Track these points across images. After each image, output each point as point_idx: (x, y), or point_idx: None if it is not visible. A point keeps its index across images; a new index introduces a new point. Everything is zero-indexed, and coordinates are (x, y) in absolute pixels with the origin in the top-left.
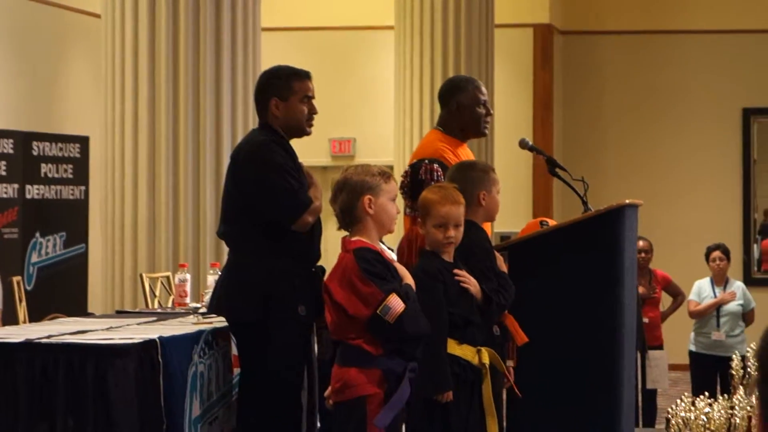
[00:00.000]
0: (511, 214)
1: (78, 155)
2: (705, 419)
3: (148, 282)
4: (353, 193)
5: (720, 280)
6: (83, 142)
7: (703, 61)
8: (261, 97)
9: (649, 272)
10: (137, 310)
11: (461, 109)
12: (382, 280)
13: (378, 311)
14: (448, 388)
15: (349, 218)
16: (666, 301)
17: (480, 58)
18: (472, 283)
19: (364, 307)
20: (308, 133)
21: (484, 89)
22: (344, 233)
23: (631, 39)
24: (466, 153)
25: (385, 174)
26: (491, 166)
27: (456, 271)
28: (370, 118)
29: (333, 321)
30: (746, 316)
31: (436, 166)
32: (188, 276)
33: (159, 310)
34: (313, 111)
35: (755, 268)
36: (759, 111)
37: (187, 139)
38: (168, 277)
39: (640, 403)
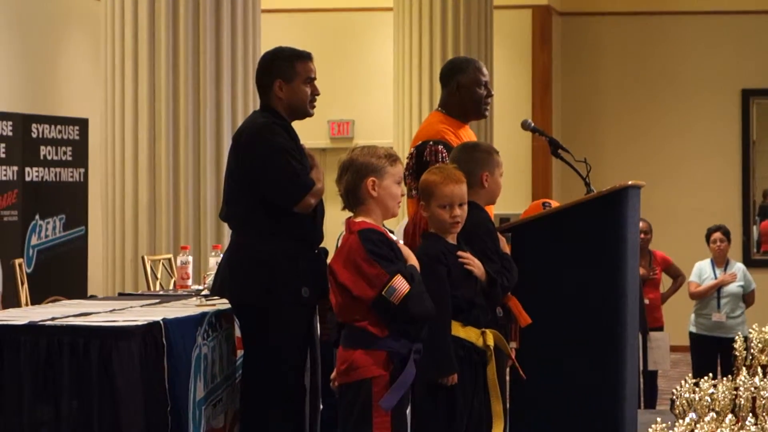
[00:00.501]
0: (511, 196)
1: (77, 137)
2: (709, 400)
3: (149, 264)
4: (357, 174)
5: (721, 261)
6: (82, 124)
7: (702, 42)
8: (264, 79)
9: (648, 253)
10: (139, 292)
11: (461, 89)
12: (387, 261)
13: (383, 292)
14: (453, 371)
15: (353, 199)
16: (666, 282)
17: (479, 39)
18: (476, 265)
19: (369, 288)
20: (311, 115)
21: (485, 70)
22: (340, 215)
23: (630, 20)
24: (468, 134)
25: (392, 156)
26: (495, 148)
27: (460, 253)
28: (368, 100)
29: (338, 302)
30: (747, 297)
31: (441, 147)
32: (190, 258)
33: (161, 293)
34: (315, 92)
35: (755, 250)
36: (758, 92)
37: (188, 121)
38: (169, 260)
39: (641, 385)
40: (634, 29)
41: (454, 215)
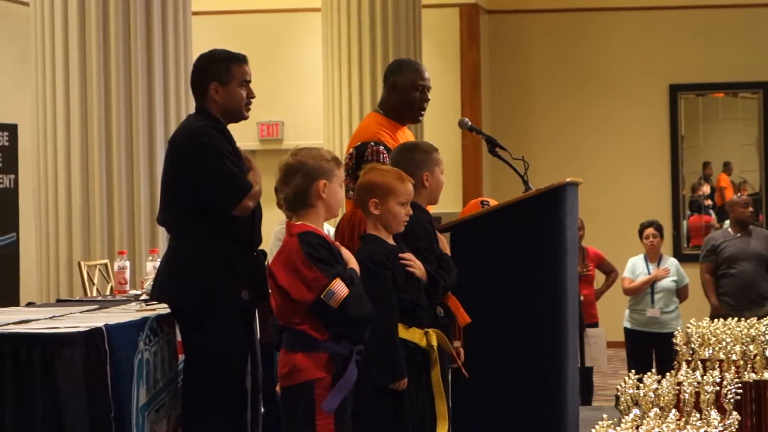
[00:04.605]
0: (442, 195)
1: (7, 143)
2: (653, 396)
3: (86, 270)
4: (308, 177)
5: (654, 256)
6: (12, 129)
7: (629, 39)
8: (199, 81)
9: (582, 250)
10: (78, 298)
11: (397, 89)
12: (326, 264)
13: (322, 296)
14: (404, 376)
15: (301, 202)
16: (599, 278)
17: (408, 38)
18: (417, 266)
19: (308, 291)
20: (246, 118)
21: (425, 75)
22: (274, 217)
23: (557, 17)
24: (406, 136)
25: (336, 159)
26: (434, 145)
27: (401, 255)
28: (298, 102)
29: (278, 305)
30: (680, 292)
31: (381, 148)
32: (127, 263)
33: (100, 298)
34: (251, 95)
35: (685, 244)
36: (686, 87)
37: (120, 125)
38: (106, 265)
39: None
40: (561, 26)
41: (408, 212)
